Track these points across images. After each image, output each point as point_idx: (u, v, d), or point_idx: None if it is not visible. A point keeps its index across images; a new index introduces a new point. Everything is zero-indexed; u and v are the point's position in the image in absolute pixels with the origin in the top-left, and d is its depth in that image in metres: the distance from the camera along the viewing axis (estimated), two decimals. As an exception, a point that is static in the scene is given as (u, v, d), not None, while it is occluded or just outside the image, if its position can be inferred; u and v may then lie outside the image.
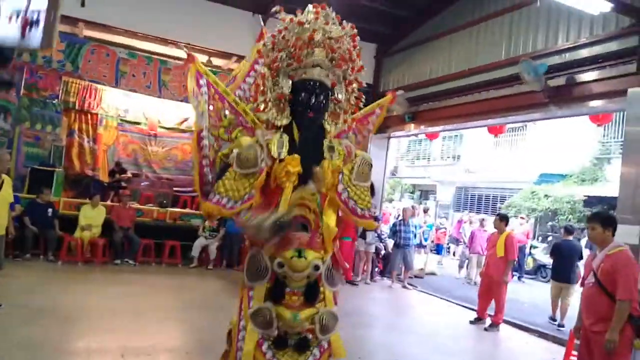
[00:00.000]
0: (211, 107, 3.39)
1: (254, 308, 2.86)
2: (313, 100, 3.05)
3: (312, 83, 3.06)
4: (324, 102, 3.10)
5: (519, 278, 14.33)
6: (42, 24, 5.24)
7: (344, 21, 3.19)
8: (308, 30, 3.03)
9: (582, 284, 4.41)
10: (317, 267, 2.88)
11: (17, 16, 5.45)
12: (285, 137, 3.04)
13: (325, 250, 2.99)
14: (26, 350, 4.54)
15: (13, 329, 5.06)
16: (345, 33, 3.13)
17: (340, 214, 3.15)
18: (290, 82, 3.09)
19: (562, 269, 8.56)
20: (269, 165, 2.98)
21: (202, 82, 3.41)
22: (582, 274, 10.38)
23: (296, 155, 2.96)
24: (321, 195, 3.01)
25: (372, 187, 3.23)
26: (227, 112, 3.42)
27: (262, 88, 3.16)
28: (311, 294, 2.91)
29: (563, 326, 8.26)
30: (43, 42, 5.90)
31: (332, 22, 3.11)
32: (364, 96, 3.36)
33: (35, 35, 5.57)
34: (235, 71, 4.38)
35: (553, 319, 8.67)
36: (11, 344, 4.66)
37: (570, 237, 8.95)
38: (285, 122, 3.10)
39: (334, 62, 3.11)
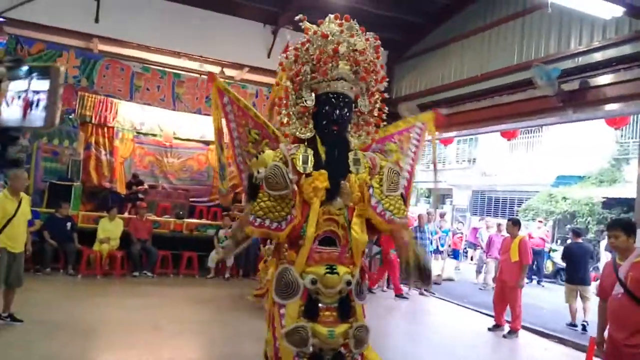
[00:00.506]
0: (237, 124, 3.46)
1: (290, 327, 2.84)
2: (337, 114, 3.05)
3: (336, 96, 3.06)
4: (347, 114, 3.11)
5: (539, 282, 14.20)
6: (42, 104, 5.44)
7: (367, 32, 3.18)
8: (332, 43, 3.02)
9: (602, 295, 4.18)
10: (349, 283, 2.90)
11: (19, 98, 5.66)
12: (310, 152, 3.04)
13: (354, 264, 2.99)
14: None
15: (34, 344, 5.13)
16: (369, 45, 3.13)
17: (376, 226, 3.11)
18: (314, 95, 3.08)
19: (575, 271, 8.80)
20: (295, 181, 2.97)
21: (225, 100, 3.45)
22: (597, 277, 10.46)
23: (323, 171, 2.95)
24: (348, 210, 3.00)
25: (401, 194, 3.20)
26: (251, 128, 3.48)
27: (284, 101, 3.16)
28: (345, 309, 2.92)
29: (588, 324, 8.36)
30: (46, 122, 6.10)
31: (356, 34, 3.10)
32: (386, 107, 3.35)
33: (36, 115, 5.79)
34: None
35: (573, 324, 8.62)
36: (36, 356, 4.74)
37: (580, 240, 9.14)
38: (309, 135, 3.10)
39: (357, 74, 3.10)
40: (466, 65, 9.74)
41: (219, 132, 3.55)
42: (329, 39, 3.03)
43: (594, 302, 8.96)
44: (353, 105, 3.14)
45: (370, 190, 3.04)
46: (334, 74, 3.04)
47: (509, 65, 8.64)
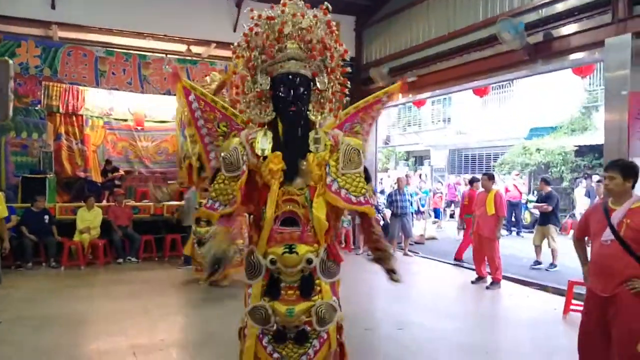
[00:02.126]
0: (205, 119, 3.45)
1: (251, 305, 2.94)
2: (292, 94, 3.02)
3: (289, 76, 3.02)
4: (304, 93, 3.06)
5: (518, 233, 14.54)
6: None
7: (315, 8, 3.11)
8: (277, 24, 3.00)
9: (579, 235, 4.03)
10: (309, 261, 2.91)
11: None
12: (269, 134, 3.04)
13: (318, 243, 2.98)
14: (39, 358, 4.61)
15: (23, 339, 5.12)
16: (318, 21, 3.07)
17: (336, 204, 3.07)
18: (269, 78, 3.06)
19: (544, 215, 9.55)
20: (255, 164, 2.98)
21: (192, 97, 3.43)
22: (573, 223, 10.83)
23: (278, 152, 2.95)
24: (310, 189, 2.99)
25: (366, 172, 3.14)
26: (219, 121, 3.46)
27: (241, 88, 3.15)
28: (306, 287, 2.95)
29: (556, 266, 9.10)
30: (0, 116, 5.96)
31: (301, 11, 3.05)
32: (348, 82, 3.30)
33: None
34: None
35: (538, 262, 9.40)
36: (22, 353, 4.74)
37: (549, 188, 9.78)
38: (269, 118, 3.08)
39: (308, 52, 3.06)
40: (433, 25, 9.74)
41: (180, 122, 3.58)
42: (274, 21, 3.01)
43: (560, 243, 9.49)
44: (310, 83, 3.10)
45: (327, 168, 3.03)
46: (282, 55, 3.01)
47: (474, 22, 8.68)
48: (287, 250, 2.88)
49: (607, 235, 3.53)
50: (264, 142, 3.01)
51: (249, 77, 3.11)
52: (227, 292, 7.30)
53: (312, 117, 3.14)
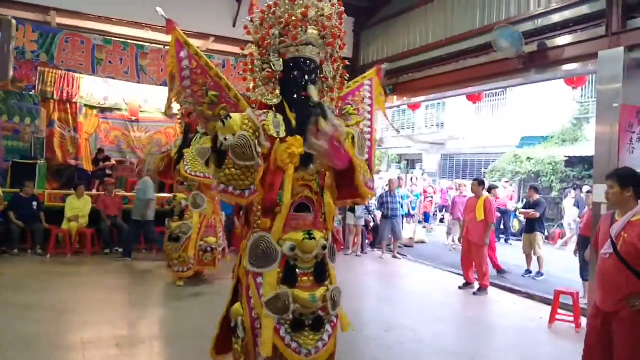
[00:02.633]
0: (193, 81, 3.18)
1: (271, 295, 2.81)
2: (306, 79, 2.99)
3: (305, 61, 3.00)
4: (315, 80, 3.06)
5: (506, 240, 14.63)
6: None
7: None
8: (300, 7, 2.96)
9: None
10: (324, 247, 2.93)
11: None
12: (280, 117, 2.99)
13: (327, 228, 3.02)
14: (20, 346, 4.58)
15: (5, 326, 5.08)
16: (334, 10, 3.08)
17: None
18: (281, 60, 3.02)
19: (530, 223, 9.62)
20: (269, 147, 2.90)
21: (183, 54, 3.19)
22: (562, 233, 10.87)
23: (299, 137, 2.88)
24: (320, 175, 2.99)
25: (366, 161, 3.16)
26: (209, 89, 3.20)
27: (250, 67, 3.07)
28: (320, 273, 2.94)
29: (542, 274, 9.23)
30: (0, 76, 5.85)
31: None
32: (347, 74, 3.33)
33: None
34: None
35: (529, 270, 9.45)
36: (5, 340, 4.69)
37: (538, 196, 9.84)
38: (276, 101, 3.03)
39: (324, 39, 3.06)
40: (431, 30, 9.79)
41: (171, 77, 3.35)
42: (296, 2, 2.97)
43: (546, 251, 9.67)
44: (319, 71, 3.10)
45: None
46: (302, 38, 2.98)
47: (471, 29, 8.74)
48: (307, 236, 2.86)
49: (607, 248, 3.43)
50: (276, 125, 2.94)
51: (259, 56, 3.05)
52: (213, 287, 7.32)
53: None
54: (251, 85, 3.07)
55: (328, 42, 3.06)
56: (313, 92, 2.81)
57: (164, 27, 3.33)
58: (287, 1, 2.99)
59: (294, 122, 2.99)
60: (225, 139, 2.80)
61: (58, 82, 11.63)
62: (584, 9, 6.94)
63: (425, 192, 17.73)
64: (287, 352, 2.80)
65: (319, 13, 3.00)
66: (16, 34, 8.82)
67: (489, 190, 9.90)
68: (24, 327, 5.08)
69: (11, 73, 6.61)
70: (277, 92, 3.04)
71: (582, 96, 18.03)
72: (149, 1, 9.44)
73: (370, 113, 3.74)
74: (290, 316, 2.82)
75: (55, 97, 11.69)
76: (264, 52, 3.04)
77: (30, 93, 10.64)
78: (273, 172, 2.88)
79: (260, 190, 2.88)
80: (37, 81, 11.05)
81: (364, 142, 3.11)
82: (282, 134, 2.91)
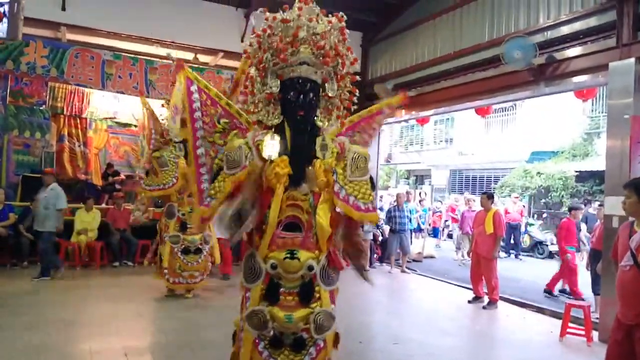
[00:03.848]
0: (204, 113, 3.33)
1: (249, 309, 2.90)
2: (302, 99, 3.01)
3: (300, 81, 3.02)
4: (313, 99, 3.06)
5: (516, 256, 14.48)
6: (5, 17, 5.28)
7: (330, 14, 3.12)
8: (292, 28, 2.98)
9: (615, 257, 3.65)
10: (310, 268, 2.90)
11: None
12: (277, 138, 3.00)
13: (319, 250, 2.98)
14: (30, 356, 4.58)
15: (15, 336, 5.09)
16: (332, 27, 3.07)
17: (341, 211, 3.08)
18: (279, 81, 3.05)
19: None
20: (260, 167, 2.95)
21: (193, 88, 3.33)
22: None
23: (285, 157, 2.93)
24: (314, 195, 2.98)
25: (371, 179, 3.17)
26: (220, 117, 3.36)
27: (250, 89, 3.13)
28: (306, 294, 2.93)
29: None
30: (9, 33, 5.96)
31: (316, 17, 3.04)
32: (357, 90, 3.30)
33: (3, 28, 5.63)
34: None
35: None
36: (14, 350, 4.70)
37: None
38: (276, 121, 3.07)
39: (321, 58, 3.05)
40: (439, 43, 9.81)
41: (175, 107, 3.49)
42: (288, 24, 2.99)
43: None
44: (320, 89, 3.11)
45: (334, 175, 3.03)
46: (295, 58, 3.00)
47: (480, 42, 8.74)
48: (288, 255, 2.87)
49: (627, 260, 3.35)
50: (270, 145, 2.97)
51: (259, 78, 3.10)
52: (220, 299, 7.32)
53: (319, 123, 3.15)
54: (252, 108, 3.13)
55: (323, 61, 3.04)
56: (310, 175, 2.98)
57: (172, 42, 3.44)
58: (279, 24, 3.01)
59: (289, 142, 3.03)
60: (225, 154, 3.03)
61: (68, 97, 11.77)
62: (594, 21, 6.91)
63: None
64: None
65: (311, 32, 3.01)
66: (27, 49, 8.95)
67: (570, 210, 9.43)
68: (34, 338, 5.08)
69: (20, 34, 6.67)
70: (278, 112, 3.08)
71: (592, 110, 17.96)
72: (158, 18, 9.78)
73: (369, 139, 3.72)
74: (270, 333, 2.87)
75: (65, 112, 11.83)
76: (262, 74, 3.09)
77: (41, 108, 10.81)
78: (264, 192, 2.95)
79: (258, 210, 2.96)
80: (47, 96, 11.22)
81: (361, 161, 3.10)
82: (275, 156, 2.94)
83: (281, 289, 2.90)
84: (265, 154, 2.95)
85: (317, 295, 2.97)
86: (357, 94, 3.31)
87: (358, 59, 3.28)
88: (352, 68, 3.22)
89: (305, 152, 3.01)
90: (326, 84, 3.11)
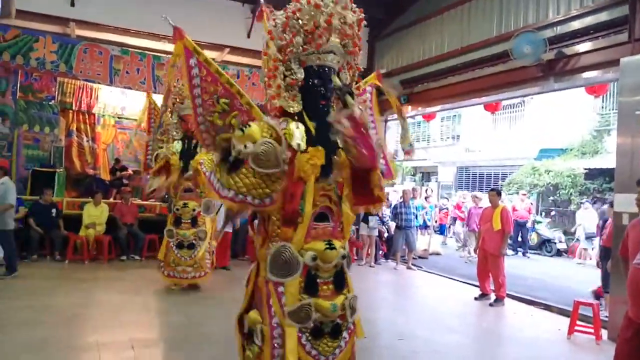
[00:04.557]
0: (203, 90, 3.10)
1: (295, 305, 2.82)
2: (325, 88, 2.98)
3: (326, 70, 2.97)
4: (332, 88, 3.01)
5: (524, 254, 14.41)
6: None
7: (354, 5, 3.07)
8: (325, 14, 2.89)
9: (623, 254, 3.60)
10: (344, 256, 2.96)
11: None
12: (302, 127, 2.94)
13: (344, 237, 3.04)
14: (37, 348, 4.62)
15: (23, 328, 5.13)
16: (357, 17, 3.04)
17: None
18: (302, 68, 2.99)
19: None
20: (289, 157, 2.86)
21: (193, 61, 3.09)
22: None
23: (321, 148, 2.88)
24: (338, 185, 3.00)
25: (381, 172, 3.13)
26: (220, 96, 3.11)
27: (274, 72, 2.98)
28: (340, 282, 2.98)
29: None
30: (3, 11, 6.02)
31: (347, 6, 2.99)
32: (361, 81, 3.33)
33: None
34: None
35: None
36: (21, 342, 4.74)
37: None
38: (297, 109, 2.99)
39: (345, 48, 3.03)
40: (446, 39, 9.77)
41: (167, 92, 3.33)
42: (320, 9, 2.89)
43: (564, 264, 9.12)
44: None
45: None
46: (326, 47, 2.94)
47: (488, 37, 8.69)
48: (328, 246, 2.88)
49: (639, 257, 3.30)
50: (298, 135, 2.90)
51: (281, 62, 2.99)
52: (224, 292, 7.34)
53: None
54: (273, 91, 2.98)
55: (349, 51, 3.03)
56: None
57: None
58: (311, 7, 2.91)
59: (313, 132, 2.96)
60: (245, 147, 2.77)
61: (77, 92, 11.81)
62: (605, 15, 6.86)
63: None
64: (307, 359, 2.83)
65: (342, 20, 2.95)
66: (36, 44, 9.01)
67: None
68: (41, 329, 5.13)
69: (14, 11, 6.71)
70: (299, 99, 2.99)
71: (602, 107, 17.80)
72: (165, 13, 9.68)
73: (373, 122, 3.75)
74: (311, 324, 2.85)
75: (74, 107, 11.86)
76: (285, 58, 2.99)
77: (50, 103, 10.85)
78: (294, 183, 2.86)
79: (279, 200, 2.85)
80: (56, 92, 11.27)
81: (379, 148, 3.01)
82: (303, 146, 2.88)
83: (318, 280, 2.91)
84: (294, 144, 2.87)
85: (346, 281, 3.04)
86: (362, 84, 3.35)
87: (362, 55, 3.26)
88: (357, 59, 3.21)
89: (330, 142, 2.94)
90: (340, 74, 3.08)
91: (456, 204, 15.97)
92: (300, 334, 2.83)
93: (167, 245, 7.27)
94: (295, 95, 2.99)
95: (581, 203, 14.82)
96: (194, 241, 7.20)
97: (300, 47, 2.96)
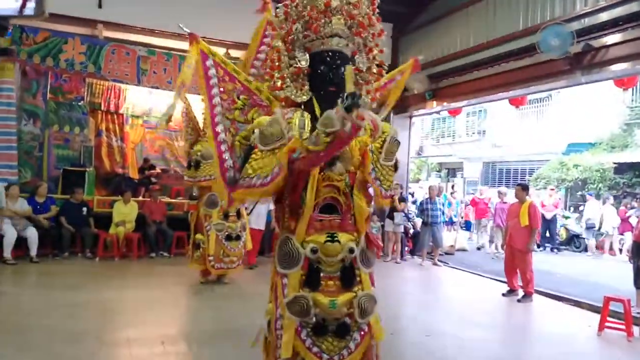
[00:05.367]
0: (221, 90, 3.14)
1: (291, 296, 2.74)
2: (333, 73, 2.85)
3: (331, 54, 2.86)
4: (344, 74, 2.80)
5: (552, 249, 14.20)
6: None
7: None
8: None
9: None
10: (351, 250, 2.79)
11: None
12: (307, 115, 2.87)
13: (358, 231, 2.88)
14: (69, 343, 4.69)
15: (56, 323, 5.24)
16: None
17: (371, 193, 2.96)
18: (307, 55, 2.90)
19: None
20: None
21: (209, 63, 3.13)
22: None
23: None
24: (349, 175, 2.85)
25: (395, 163, 3.00)
26: (239, 94, 3.17)
27: (277, 63, 2.94)
28: (347, 278, 2.81)
29: None
30: (37, 11, 6.17)
31: None
32: (385, 64, 3.14)
33: (30, 7, 5.83)
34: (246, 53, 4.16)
35: None
36: (55, 336, 4.84)
37: None
38: (305, 98, 2.90)
39: (352, 29, 2.92)
40: (472, 33, 9.66)
41: (181, 84, 3.30)
42: None
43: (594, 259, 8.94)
44: (350, 63, 2.90)
45: (370, 154, 2.84)
46: (327, 30, 2.83)
47: (514, 30, 8.56)
48: (329, 238, 2.76)
49: None
50: (302, 124, 2.83)
51: (285, 51, 2.93)
52: (250, 287, 7.43)
53: None
54: (279, 83, 2.94)
55: (356, 32, 2.92)
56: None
57: (203, 37, 3.30)
58: None
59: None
60: (255, 132, 2.79)
61: (105, 93, 12.03)
62: (633, 6, 6.69)
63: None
64: (308, 355, 2.73)
65: (345, 1, 2.87)
66: (65, 46, 9.21)
67: None
68: (73, 324, 5.22)
69: (47, 10, 6.87)
70: (306, 88, 2.91)
71: (632, 100, 17.40)
72: (191, 13, 9.86)
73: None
74: (313, 319, 2.74)
75: (102, 107, 12.08)
76: (289, 47, 2.94)
77: (79, 104, 11.08)
78: (297, 174, 2.73)
79: (285, 173, 2.69)
80: (85, 92, 11.49)
81: (394, 147, 2.94)
82: (307, 134, 2.77)
83: (321, 274, 2.79)
84: (297, 134, 2.78)
85: (358, 278, 2.86)
86: (386, 67, 3.14)
87: (386, 58, 3.14)
88: (378, 40, 3.06)
89: None
90: (356, 57, 2.96)
91: (472, 199, 15.69)
92: (300, 328, 2.74)
93: (216, 239, 7.29)
94: (303, 84, 2.91)
95: (606, 199, 14.58)
96: (240, 233, 7.39)
97: (301, 34, 2.90)
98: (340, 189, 2.83)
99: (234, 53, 11.41)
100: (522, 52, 8.35)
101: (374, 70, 3.05)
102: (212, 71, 3.13)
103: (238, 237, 7.38)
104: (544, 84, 8.64)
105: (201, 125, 7.67)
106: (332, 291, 2.77)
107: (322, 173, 2.78)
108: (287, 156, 2.63)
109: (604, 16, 7.11)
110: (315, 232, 2.79)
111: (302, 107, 2.94)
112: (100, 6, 9.41)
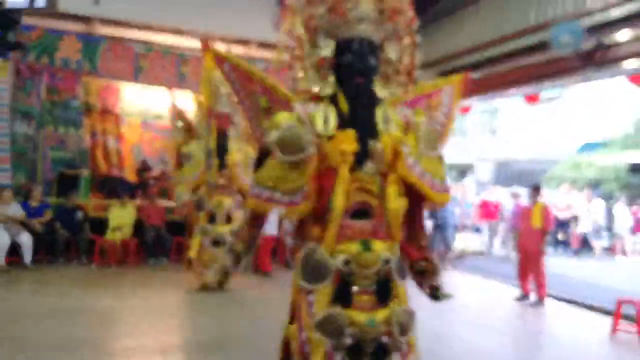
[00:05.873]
0: (246, 92, 3.03)
1: (322, 315, 2.41)
2: (361, 63, 2.58)
3: (358, 42, 2.59)
4: (373, 63, 2.63)
5: (566, 252, 13.85)
6: None
7: None
8: None
9: None
10: (387, 261, 2.50)
11: None
12: (332, 109, 2.59)
13: (392, 238, 2.56)
14: (64, 352, 4.52)
15: (51, 332, 5.06)
16: None
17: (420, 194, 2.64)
18: (332, 42, 2.64)
19: None
20: (317, 144, 2.50)
21: (227, 67, 3.03)
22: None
23: (350, 131, 2.49)
24: (382, 176, 2.54)
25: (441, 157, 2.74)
26: (259, 95, 3.03)
27: (298, 52, 2.68)
28: (383, 291, 2.51)
29: None
30: (48, 3, 6.04)
31: None
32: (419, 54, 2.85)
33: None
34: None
35: None
36: (49, 345, 4.66)
37: None
38: (329, 91, 2.63)
39: (383, 14, 2.65)
40: (482, 29, 9.34)
41: (209, 112, 3.17)
42: None
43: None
44: (379, 51, 2.67)
45: (405, 148, 2.53)
46: (355, 14, 2.55)
47: (525, 27, 8.25)
48: (362, 247, 2.44)
49: None
50: (326, 119, 2.55)
51: (308, 39, 2.66)
52: (256, 296, 7.21)
53: (379, 93, 2.67)
54: (300, 74, 2.67)
55: (388, 17, 2.64)
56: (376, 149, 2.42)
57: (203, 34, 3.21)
58: None
59: (346, 115, 2.59)
60: (271, 134, 2.49)
61: (101, 93, 11.74)
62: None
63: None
64: None
65: None
66: (61, 43, 8.97)
67: None
68: (69, 333, 5.05)
69: (58, 2, 6.80)
70: (331, 79, 2.64)
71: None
72: (190, 9, 9.60)
73: (444, 125, 3.34)
74: (348, 341, 2.40)
75: (98, 108, 11.79)
76: (312, 34, 2.66)
77: (74, 104, 10.81)
78: (322, 174, 2.48)
79: (312, 195, 2.47)
80: (81, 92, 11.21)
81: (434, 135, 2.66)
82: (332, 131, 2.52)
83: (354, 288, 2.47)
84: (320, 129, 2.53)
85: (394, 292, 2.57)
86: (420, 56, 2.86)
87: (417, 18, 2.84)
88: (411, 28, 2.82)
89: (366, 125, 2.55)
90: (385, 45, 2.70)
91: (481, 201, 15.21)
92: (332, 352, 2.38)
93: (200, 244, 7.03)
94: (327, 75, 2.63)
95: (619, 199, 14.24)
96: (229, 238, 6.98)
97: (325, 19, 2.61)
98: (372, 191, 2.52)
99: (236, 49, 11.17)
100: (533, 48, 8.08)
101: (406, 61, 2.77)
102: (233, 75, 3.05)
103: (227, 243, 6.97)
104: (555, 81, 8.40)
105: (196, 124, 7.45)
106: (367, 307, 2.46)
107: (351, 174, 2.47)
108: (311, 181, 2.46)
109: (616, 12, 6.85)
110: (346, 240, 2.48)
111: (327, 100, 2.64)
112: (96, 2, 9.15)
